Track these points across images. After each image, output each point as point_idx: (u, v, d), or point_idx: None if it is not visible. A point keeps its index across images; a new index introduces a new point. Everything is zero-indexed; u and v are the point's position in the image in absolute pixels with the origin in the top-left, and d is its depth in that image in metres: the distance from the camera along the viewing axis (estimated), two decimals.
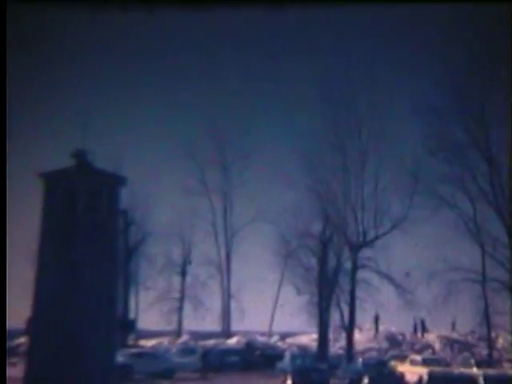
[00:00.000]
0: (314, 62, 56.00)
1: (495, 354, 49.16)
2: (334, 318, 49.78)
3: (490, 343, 49.70)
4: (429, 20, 46.97)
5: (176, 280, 61.22)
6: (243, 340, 54.81)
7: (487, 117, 47.73)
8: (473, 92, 48.09)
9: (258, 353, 48.16)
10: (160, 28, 48.17)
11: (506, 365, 41.90)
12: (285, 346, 55.82)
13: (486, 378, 36.65)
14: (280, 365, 41.52)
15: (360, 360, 42.75)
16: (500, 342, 54.87)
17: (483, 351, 52.09)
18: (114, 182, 32.39)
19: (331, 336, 52.09)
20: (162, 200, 57.43)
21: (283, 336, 60.50)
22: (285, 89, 63.86)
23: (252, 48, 60.46)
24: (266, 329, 60.82)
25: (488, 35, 46.07)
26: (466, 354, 52.78)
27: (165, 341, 57.85)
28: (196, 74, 63.76)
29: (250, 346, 50.39)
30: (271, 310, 59.75)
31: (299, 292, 51.64)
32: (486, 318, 47.91)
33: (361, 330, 57.72)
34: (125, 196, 36.83)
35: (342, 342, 51.57)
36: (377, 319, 57.93)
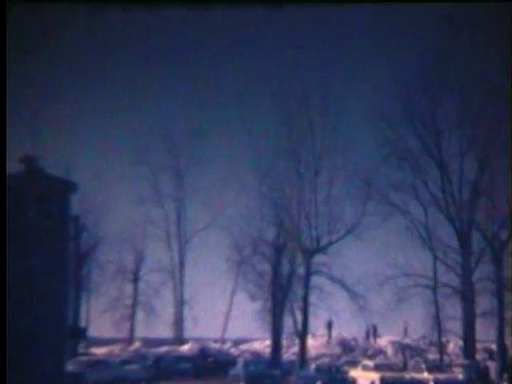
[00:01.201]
0: (266, 68, 55.99)
1: (446, 359, 49.74)
2: (288, 324, 49.82)
3: (441, 348, 50.27)
4: (382, 29, 47.57)
5: (128, 287, 60.65)
6: (196, 347, 54.47)
7: (438, 124, 48.51)
8: (424, 99, 48.81)
9: (211, 359, 47.88)
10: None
11: (456, 369, 42.37)
12: (238, 353, 55.72)
13: (437, 383, 37.11)
14: (233, 371, 41.35)
15: (313, 366, 42.88)
16: (450, 347, 55.59)
17: (434, 356, 52.64)
18: (65, 188, 31.89)
19: (284, 342, 52.07)
20: (115, 207, 56.85)
21: (236, 342, 60.35)
22: (237, 95, 63.69)
23: (203, 55, 60.12)
24: (219, 335, 60.62)
25: (440, 43, 46.86)
26: (417, 359, 53.29)
27: (116, 348, 57.21)
28: (153, 81, 63.08)
29: (203, 353, 50.09)
30: (224, 316, 59.59)
31: (253, 298, 51.51)
32: (437, 323, 48.50)
33: (314, 335, 57.89)
34: (76, 203, 36.40)
35: (295, 348, 51.57)
36: (330, 325, 58.15)
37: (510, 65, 40.92)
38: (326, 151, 49.24)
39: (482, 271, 47.77)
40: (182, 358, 47.01)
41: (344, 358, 51.28)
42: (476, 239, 48.26)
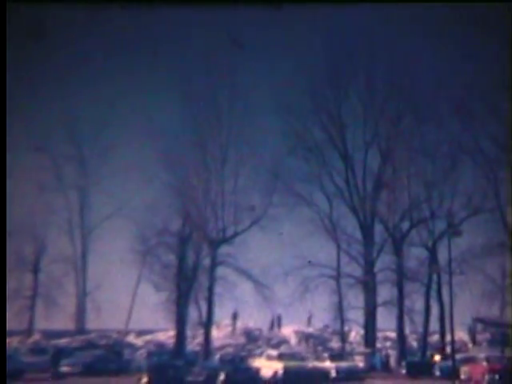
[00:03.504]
0: (173, 59, 55.32)
1: (348, 348, 50.66)
2: (192, 314, 49.59)
3: (343, 337, 51.15)
4: (289, 22, 47.78)
5: (28, 278, 58.85)
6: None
7: (343, 116, 49.31)
8: (330, 92, 49.51)
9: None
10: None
11: (358, 357, 43.27)
12: (141, 344, 55.04)
13: (338, 371, 37.80)
14: (136, 363, 40.79)
15: (217, 356, 42.79)
16: (352, 336, 56.67)
17: (336, 345, 53.57)
18: None
19: (189, 333, 51.80)
20: (14, 195, 54.83)
21: (140, 333, 59.64)
22: (143, 85, 62.65)
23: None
24: (122, 326, 59.68)
25: (346, 38, 47.63)
26: (320, 348, 54.14)
27: (14, 340, 55.47)
28: (57, 69, 61.10)
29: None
30: (128, 307, 58.68)
31: (157, 289, 50.94)
32: (340, 313, 49.30)
33: (219, 326, 57.85)
34: None
35: (200, 339, 51.41)
36: (235, 315, 58.28)
37: (509, 66, 41.71)
38: (232, 142, 49.29)
39: (384, 261, 48.96)
40: (81, 350, 45.70)
41: (248, 348, 51.49)
42: (378, 230, 49.43)
